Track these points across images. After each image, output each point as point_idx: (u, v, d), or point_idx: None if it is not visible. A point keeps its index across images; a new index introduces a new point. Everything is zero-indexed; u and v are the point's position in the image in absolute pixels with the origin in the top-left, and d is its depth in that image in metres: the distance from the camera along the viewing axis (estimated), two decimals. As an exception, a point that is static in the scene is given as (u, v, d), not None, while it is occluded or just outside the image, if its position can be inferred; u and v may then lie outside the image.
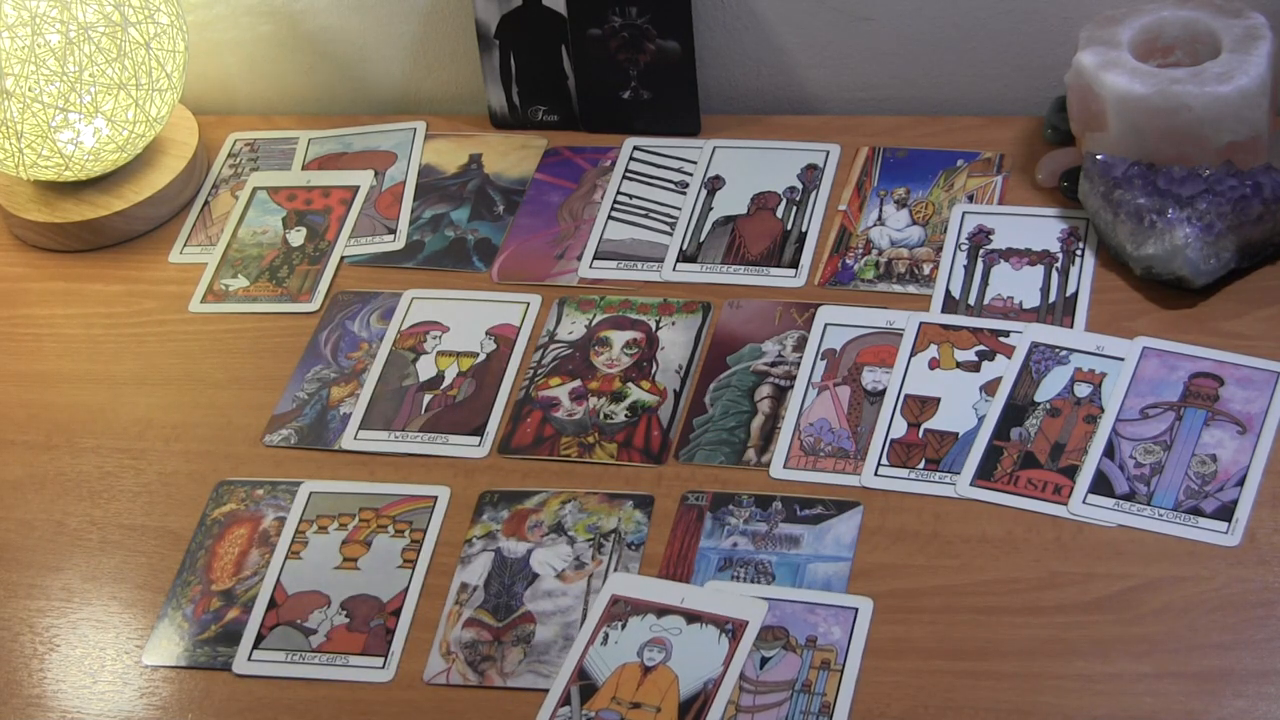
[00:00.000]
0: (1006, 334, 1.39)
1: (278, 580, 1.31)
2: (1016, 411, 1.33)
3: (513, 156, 1.63)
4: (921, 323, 1.40)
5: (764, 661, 1.21)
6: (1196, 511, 1.25)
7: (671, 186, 1.57)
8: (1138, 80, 1.41)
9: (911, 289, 1.44)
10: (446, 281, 1.52)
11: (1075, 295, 1.41)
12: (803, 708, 1.18)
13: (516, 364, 1.44)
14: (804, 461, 1.33)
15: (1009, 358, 1.37)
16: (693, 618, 1.24)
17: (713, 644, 1.22)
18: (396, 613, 1.28)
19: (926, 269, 1.45)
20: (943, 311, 1.42)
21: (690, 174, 1.58)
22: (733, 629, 1.22)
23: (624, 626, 1.24)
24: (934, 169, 1.54)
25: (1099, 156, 1.43)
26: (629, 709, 1.19)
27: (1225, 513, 1.25)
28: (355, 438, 1.40)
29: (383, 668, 1.25)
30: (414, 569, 1.31)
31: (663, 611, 1.25)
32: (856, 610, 1.23)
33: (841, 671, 1.20)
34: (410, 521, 1.34)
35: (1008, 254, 1.45)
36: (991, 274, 1.44)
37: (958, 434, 1.33)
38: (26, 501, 1.40)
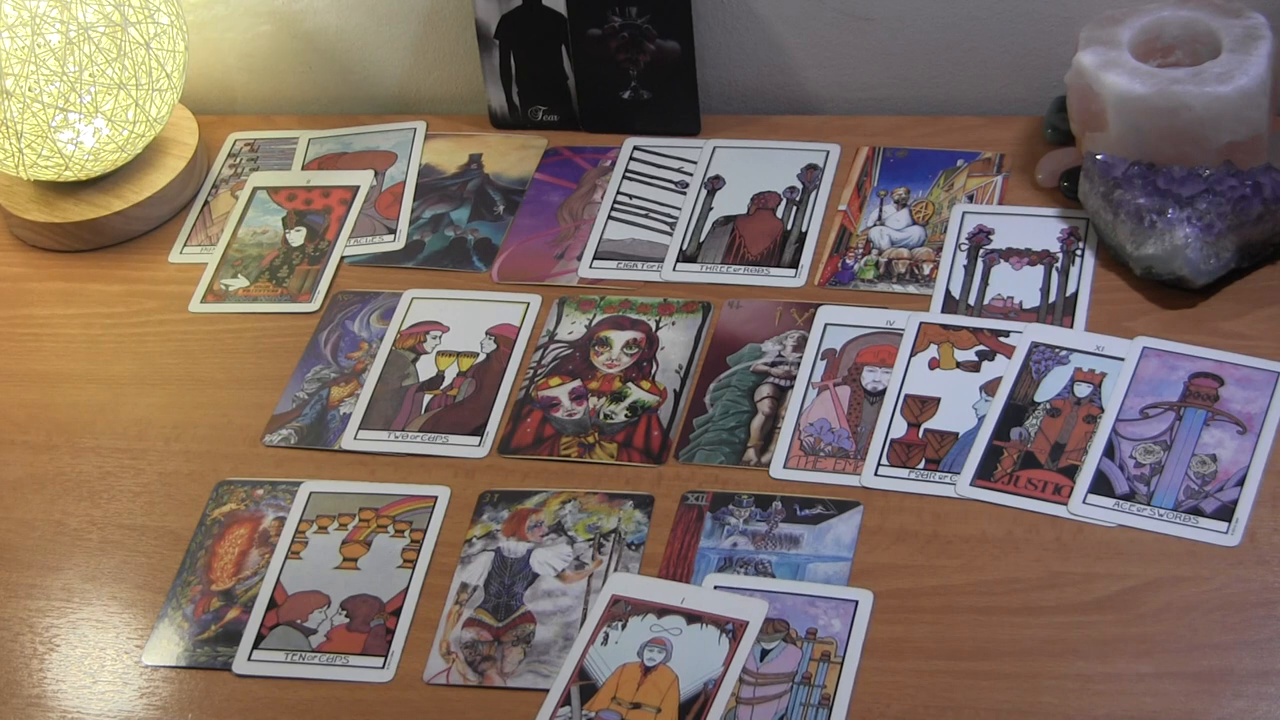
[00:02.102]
0: (1006, 334, 1.39)
1: (278, 580, 1.31)
2: (1016, 411, 1.33)
3: (513, 156, 1.63)
4: (921, 323, 1.40)
5: (764, 654, 1.21)
6: (1196, 511, 1.25)
7: (671, 186, 1.57)
8: (1138, 80, 1.41)
9: (911, 289, 1.44)
10: (446, 281, 1.52)
11: (1075, 295, 1.41)
12: (803, 700, 1.18)
13: (516, 364, 1.44)
14: (804, 461, 1.33)
15: (1009, 358, 1.37)
16: (693, 618, 1.24)
17: (713, 644, 1.22)
18: (396, 613, 1.28)
19: (926, 269, 1.45)
20: (943, 311, 1.42)
21: (690, 174, 1.57)
22: (733, 629, 1.22)
23: (624, 626, 1.24)
24: (934, 169, 1.54)
25: (1099, 156, 1.43)
26: (629, 709, 1.19)
27: (1225, 513, 1.25)
28: (355, 438, 1.40)
29: (383, 668, 1.25)
30: (414, 569, 1.31)
31: (663, 611, 1.24)
32: (856, 603, 1.23)
33: (841, 664, 1.20)
34: (410, 521, 1.34)
35: (1008, 254, 1.45)
36: (991, 274, 1.44)
37: (958, 434, 1.33)
38: (26, 501, 1.40)
